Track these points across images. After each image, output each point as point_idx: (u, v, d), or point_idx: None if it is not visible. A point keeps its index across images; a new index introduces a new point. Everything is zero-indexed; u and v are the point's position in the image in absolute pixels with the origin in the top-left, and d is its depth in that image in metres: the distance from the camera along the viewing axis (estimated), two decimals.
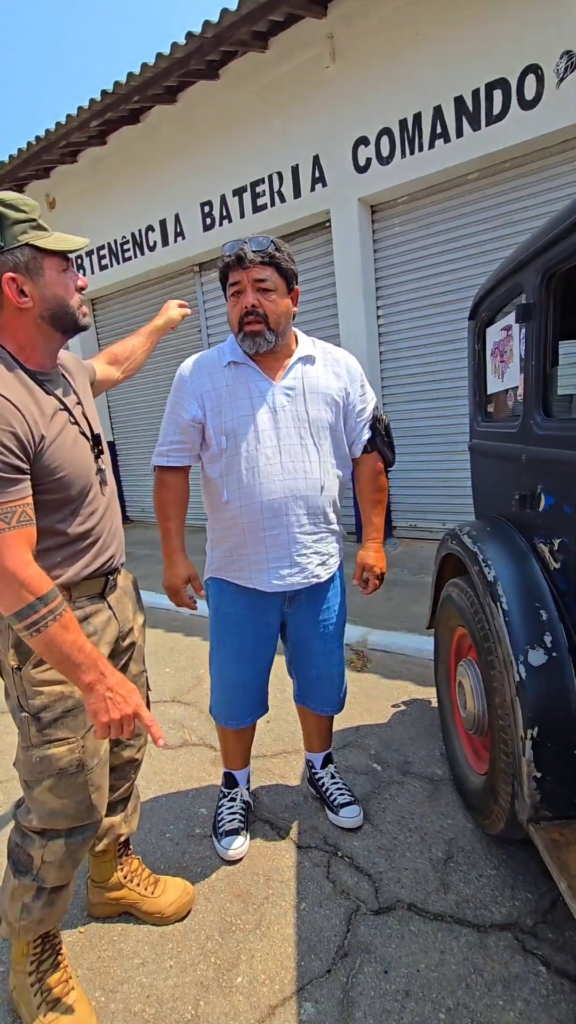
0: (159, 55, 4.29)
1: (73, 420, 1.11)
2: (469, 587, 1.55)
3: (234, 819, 1.64)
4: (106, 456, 1.22)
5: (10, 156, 5.58)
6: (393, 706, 2.37)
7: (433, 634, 2.07)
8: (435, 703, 2.37)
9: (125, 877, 1.41)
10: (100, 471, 1.17)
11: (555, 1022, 1.09)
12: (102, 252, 6.19)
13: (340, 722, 2.09)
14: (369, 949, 1.27)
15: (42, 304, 1.03)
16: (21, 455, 0.98)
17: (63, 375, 1.17)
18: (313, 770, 1.79)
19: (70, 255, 1.08)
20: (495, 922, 1.31)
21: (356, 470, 1.56)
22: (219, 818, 1.66)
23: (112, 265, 6.14)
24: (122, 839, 1.38)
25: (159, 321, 1.60)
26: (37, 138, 5.29)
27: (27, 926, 1.14)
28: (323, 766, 1.77)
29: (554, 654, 1.21)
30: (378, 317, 4.69)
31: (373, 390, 1.56)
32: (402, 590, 3.70)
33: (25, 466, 0.99)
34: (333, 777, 1.75)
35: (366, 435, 1.50)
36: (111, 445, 7.05)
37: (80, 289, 1.10)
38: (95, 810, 1.14)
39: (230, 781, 1.72)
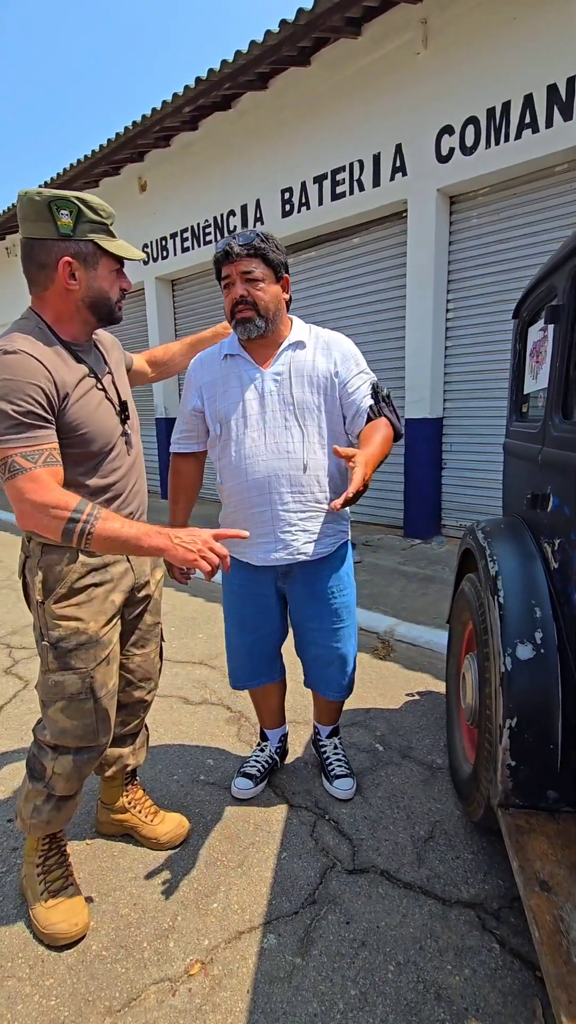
0: (252, 43, 4.38)
1: (100, 387, 1.26)
2: (479, 581, 1.58)
3: (255, 767, 1.81)
4: (134, 422, 1.36)
5: (108, 140, 5.88)
6: (407, 695, 2.42)
7: (448, 630, 2.10)
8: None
9: (129, 803, 1.58)
10: (125, 434, 1.31)
11: (498, 992, 1.14)
12: (185, 235, 6.42)
13: (352, 702, 2.17)
14: (336, 902, 1.37)
15: (87, 291, 1.19)
16: (46, 406, 1.11)
17: (98, 348, 1.32)
18: (318, 736, 1.88)
19: (125, 260, 1.25)
20: (461, 899, 1.37)
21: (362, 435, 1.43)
22: (246, 761, 1.85)
23: (193, 248, 6.36)
24: (128, 769, 1.55)
25: (206, 334, 1.72)
26: (134, 123, 5.55)
27: (37, 824, 1.32)
28: (328, 736, 1.85)
29: (542, 650, 1.24)
30: (447, 311, 4.62)
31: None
32: (439, 587, 3.70)
33: (50, 416, 1.13)
34: (335, 749, 1.83)
35: (368, 402, 1.44)
36: (161, 422, 7.35)
37: (124, 290, 1.26)
38: (100, 734, 1.29)
39: (263, 735, 1.90)
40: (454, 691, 1.97)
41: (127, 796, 1.58)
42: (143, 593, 1.43)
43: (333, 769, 1.78)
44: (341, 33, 4.34)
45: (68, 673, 1.24)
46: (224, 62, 4.63)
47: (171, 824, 1.58)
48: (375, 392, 1.47)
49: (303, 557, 1.51)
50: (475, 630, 1.54)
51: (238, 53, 4.52)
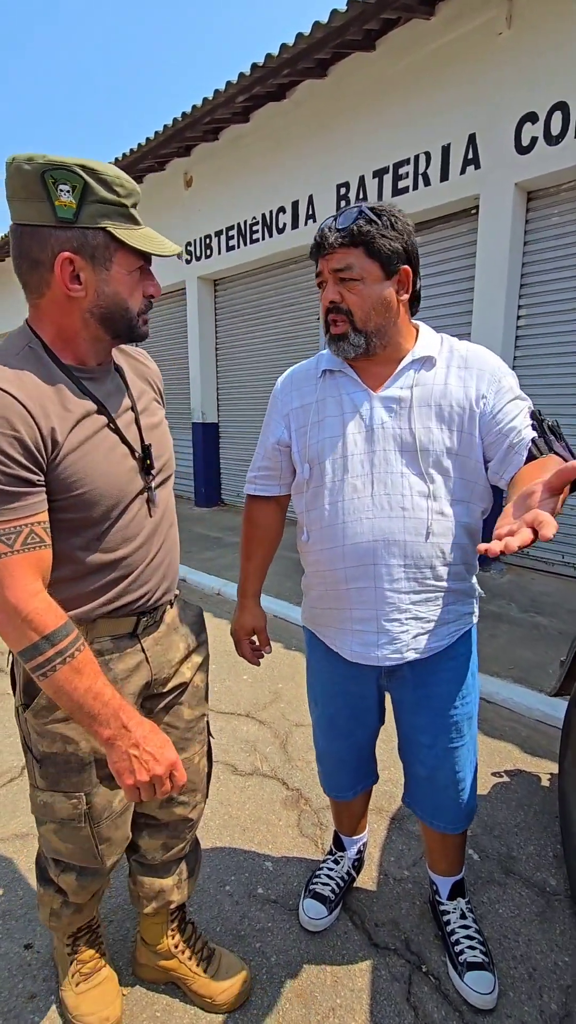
0: (316, 23, 4.04)
1: (114, 427, 0.93)
2: None
3: (329, 885, 1.43)
4: (167, 474, 1.04)
5: (156, 133, 5.62)
6: (494, 774, 2.03)
7: (567, 709, 1.71)
8: (545, 780, 2.01)
9: (176, 947, 1.24)
10: (148, 490, 0.98)
11: None
12: (231, 232, 6.11)
13: None
14: None
15: (96, 298, 0.87)
16: (28, 463, 0.81)
17: (120, 375, 0.99)
18: (437, 897, 1.39)
19: (152, 257, 0.89)
20: None
21: (515, 481, 0.98)
22: (315, 875, 1.48)
23: (239, 246, 6.05)
24: (173, 905, 1.21)
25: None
26: (184, 114, 5.27)
27: (58, 927, 1.18)
28: (451, 896, 1.36)
29: None
30: (518, 317, 4.20)
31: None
32: (509, 628, 3.29)
33: (35, 477, 0.83)
34: (464, 918, 1.33)
35: (528, 434, 1.01)
36: (214, 427, 7.07)
37: (150, 296, 0.93)
38: (103, 859, 1.05)
39: (338, 843, 1.52)
40: (574, 791, 1.59)
41: (173, 937, 1.25)
42: (173, 684, 1.09)
43: (462, 952, 1.27)
44: (414, 12, 3.96)
45: (58, 795, 0.99)
46: (284, 46, 4.30)
47: (229, 977, 1.23)
48: (537, 422, 1.04)
49: (413, 655, 1.12)
50: None
51: (299, 36, 4.18)
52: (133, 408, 0.99)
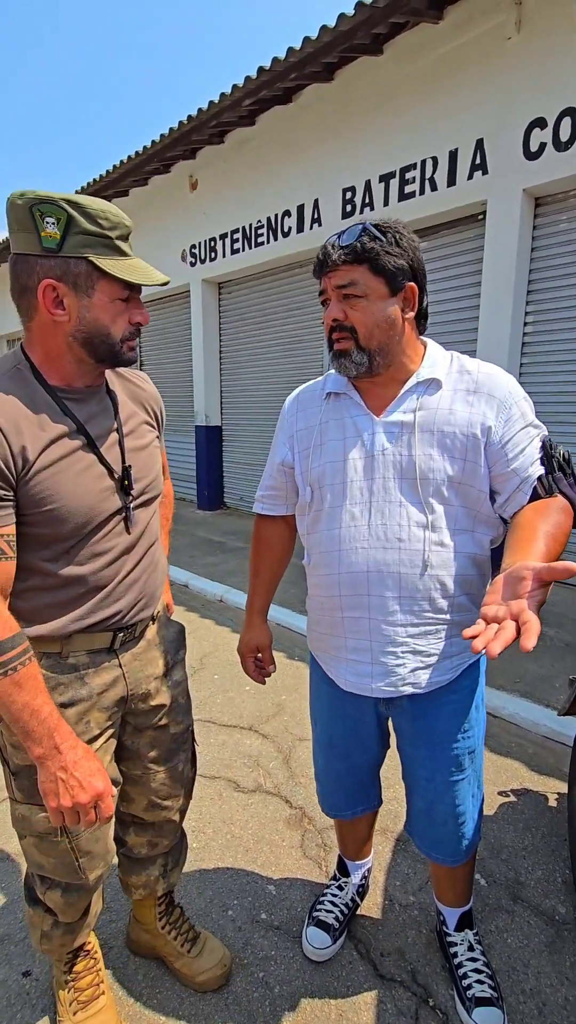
0: (323, 27, 4.01)
1: (92, 448, 0.97)
2: None
3: (332, 912, 1.40)
4: (150, 495, 1.07)
5: (161, 135, 5.60)
6: (500, 793, 2.00)
7: None
8: (552, 800, 1.97)
9: (163, 927, 1.32)
10: (124, 510, 1.01)
11: None
12: (236, 236, 6.09)
13: None
14: None
15: (78, 323, 0.92)
16: None
17: (110, 397, 1.04)
18: (444, 928, 1.35)
19: (139, 287, 0.94)
20: None
21: (518, 516, 0.97)
22: (318, 901, 1.45)
23: (244, 250, 6.03)
24: (159, 893, 1.30)
25: None
26: (189, 117, 5.25)
27: (50, 949, 1.17)
28: (458, 927, 1.33)
29: None
30: (525, 324, 4.16)
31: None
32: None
33: (3, 492, 0.88)
34: (472, 950, 1.29)
35: (538, 471, 0.98)
36: (217, 431, 7.04)
37: (136, 324, 0.97)
38: (84, 873, 1.06)
39: (342, 867, 1.49)
40: None
41: (161, 919, 1.33)
42: (155, 702, 1.12)
43: (470, 986, 1.23)
44: (422, 17, 3.93)
45: (35, 807, 1.00)
46: (291, 50, 4.27)
47: (210, 961, 1.30)
48: (547, 454, 1.01)
49: (409, 689, 1.08)
50: None
51: (307, 40, 4.16)
52: (118, 430, 1.02)
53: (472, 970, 1.26)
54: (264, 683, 1.36)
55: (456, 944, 1.31)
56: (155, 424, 1.15)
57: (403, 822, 1.80)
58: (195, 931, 1.34)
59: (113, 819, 1.13)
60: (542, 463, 1.00)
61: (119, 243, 0.90)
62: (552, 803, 1.96)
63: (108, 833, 1.09)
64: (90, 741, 1.02)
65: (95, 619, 1.00)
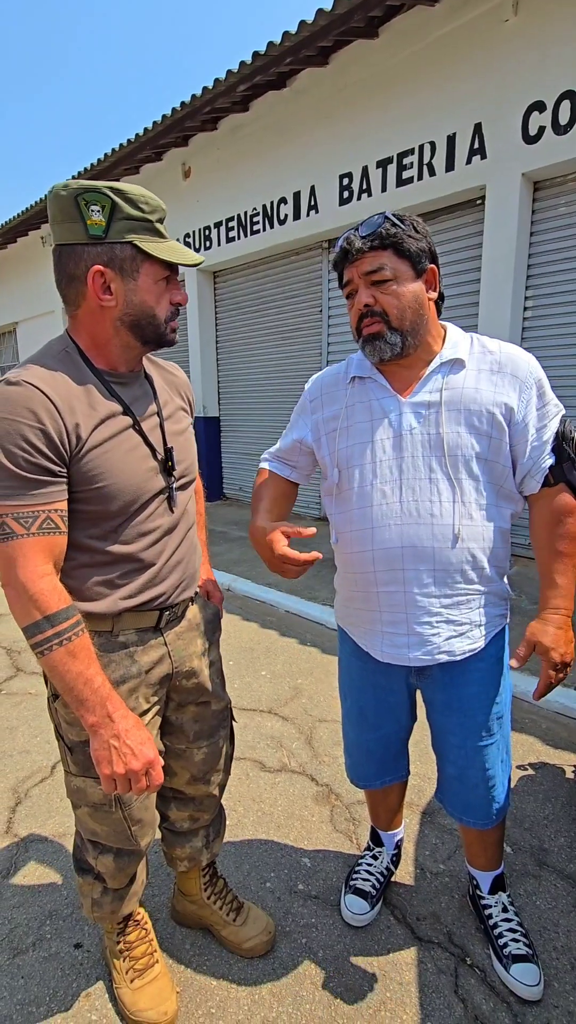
0: (319, 11, 3.98)
1: (138, 429, 1.00)
2: None
3: (369, 880, 1.46)
4: (189, 477, 1.10)
5: (154, 123, 5.54)
6: (519, 767, 2.06)
7: None
8: (569, 772, 2.03)
9: (208, 897, 1.37)
10: (167, 491, 1.05)
11: None
12: (231, 224, 6.05)
13: None
14: None
15: (125, 307, 0.95)
16: (51, 455, 0.89)
17: (148, 382, 1.08)
18: (478, 892, 1.41)
19: (178, 267, 0.97)
20: None
21: (533, 509, 1.16)
22: (354, 871, 1.50)
23: (239, 237, 5.99)
24: (203, 864, 1.35)
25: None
26: (182, 103, 5.19)
27: (101, 916, 1.20)
28: (492, 891, 1.38)
29: None
30: (525, 309, 4.19)
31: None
32: (521, 620, 3.31)
33: (57, 468, 0.90)
34: (506, 911, 1.35)
35: (548, 462, 1.09)
36: (215, 421, 7.04)
37: (177, 304, 1.01)
38: (136, 840, 1.12)
39: (375, 837, 1.54)
40: None
41: (207, 890, 1.37)
42: (197, 680, 1.16)
43: (506, 944, 1.29)
44: (418, 0, 3.91)
45: (90, 781, 1.06)
46: (287, 34, 4.23)
47: (255, 928, 1.35)
48: (562, 439, 1.08)
49: (444, 657, 1.13)
50: None
51: (302, 24, 4.12)
52: (159, 413, 1.06)
53: (507, 930, 1.32)
54: (300, 567, 1.01)
55: (491, 906, 1.37)
56: (188, 410, 1.18)
57: (427, 797, 1.86)
58: (239, 901, 1.39)
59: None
60: (554, 451, 1.08)
61: (158, 226, 0.94)
62: (569, 775, 2.02)
63: (153, 801, 1.15)
64: (139, 716, 1.05)
65: (144, 598, 1.03)
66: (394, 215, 1.04)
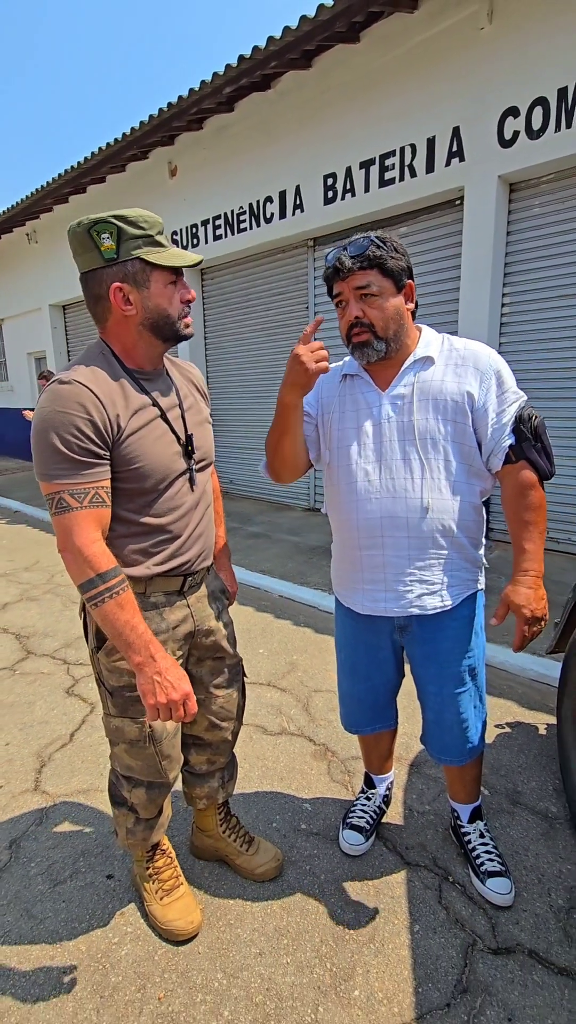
0: (303, 18, 4.12)
1: (164, 419, 1.18)
2: None
3: (364, 817, 1.66)
4: (207, 460, 1.29)
5: (140, 122, 5.64)
6: (497, 726, 2.27)
7: (562, 663, 1.94)
8: (542, 730, 2.25)
9: (224, 831, 1.56)
10: (188, 471, 1.22)
11: None
12: (218, 222, 6.18)
13: None
14: (490, 991, 1.24)
15: (144, 313, 1.11)
16: (98, 441, 1.06)
17: (171, 379, 1.25)
18: (458, 822, 1.60)
19: (181, 269, 1.14)
20: None
21: (501, 485, 1.32)
22: (350, 810, 1.70)
23: (226, 235, 6.13)
24: (220, 802, 1.53)
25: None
26: (169, 104, 5.30)
27: (134, 843, 1.39)
28: (470, 820, 1.58)
29: None
30: (503, 306, 4.40)
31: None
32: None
33: (102, 452, 1.07)
34: (483, 837, 1.55)
35: (508, 441, 1.24)
36: None
37: (187, 301, 1.17)
38: (166, 773, 1.30)
39: (368, 781, 1.74)
40: (572, 735, 1.82)
41: (222, 825, 1.57)
42: (214, 638, 1.36)
43: (483, 863, 1.50)
44: (397, 6, 4.07)
45: (127, 720, 1.24)
46: (271, 39, 4.37)
47: (266, 857, 1.55)
48: (520, 422, 1.25)
49: (416, 611, 1.32)
50: None
51: (286, 29, 4.26)
52: (180, 405, 1.24)
53: (484, 851, 1.53)
54: (313, 346, 1.17)
55: (469, 833, 1.58)
56: (205, 400, 1.37)
57: (415, 752, 2.07)
58: (250, 835, 1.58)
59: (180, 731, 1.35)
60: (514, 432, 1.25)
61: (158, 238, 1.10)
62: (542, 732, 2.24)
63: (178, 741, 1.33)
64: None
65: (172, 565, 1.22)
66: (377, 238, 1.22)
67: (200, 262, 1.18)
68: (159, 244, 1.10)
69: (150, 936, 1.38)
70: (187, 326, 1.18)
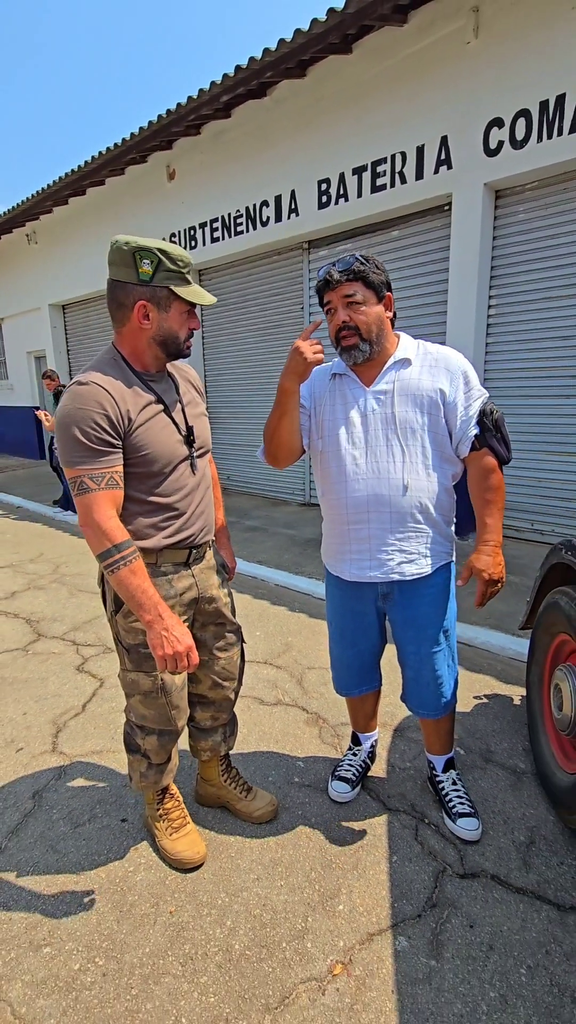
0: (297, 31, 4.31)
1: (167, 413, 1.37)
2: None
3: (351, 770, 1.86)
4: (205, 448, 1.49)
5: (140, 128, 5.81)
6: (475, 697, 2.47)
7: (530, 636, 2.14)
8: (517, 701, 2.45)
9: (225, 780, 1.76)
10: (190, 457, 1.41)
11: None
12: (215, 225, 6.36)
13: None
14: (456, 905, 1.44)
15: (158, 331, 1.31)
16: (112, 432, 1.25)
17: (172, 379, 1.44)
18: (434, 772, 1.80)
19: (197, 304, 1.35)
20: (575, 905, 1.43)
21: (468, 469, 1.53)
22: (338, 765, 1.90)
23: (224, 238, 6.31)
24: (222, 754, 1.73)
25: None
26: (168, 111, 5.48)
27: (146, 786, 1.58)
28: (444, 770, 1.78)
29: None
30: (489, 308, 4.59)
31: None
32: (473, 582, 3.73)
33: (116, 441, 1.26)
34: (455, 784, 1.75)
35: (473, 431, 1.45)
36: None
37: (192, 329, 1.37)
38: (176, 720, 1.50)
39: (355, 740, 1.94)
40: (538, 699, 2.02)
41: (223, 775, 1.76)
42: (216, 605, 1.55)
43: (454, 806, 1.69)
44: (387, 21, 4.26)
45: (141, 674, 1.43)
46: (267, 50, 4.55)
47: (263, 801, 1.74)
48: (483, 415, 1.46)
49: (397, 577, 1.51)
50: None
51: (282, 42, 4.44)
52: (180, 401, 1.43)
53: (455, 796, 1.73)
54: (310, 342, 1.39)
55: (443, 781, 1.78)
56: (202, 396, 1.56)
57: (399, 719, 2.27)
58: (248, 785, 1.78)
59: (187, 686, 1.55)
60: (478, 423, 1.47)
61: (187, 275, 1.32)
62: (516, 702, 2.44)
63: (185, 694, 1.53)
64: None
65: (179, 538, 1.41)
66: (361, 256, 1.44)
67: (214, 303, 1.39)
68: (187, 280, 1.30)
69: (161, 866, 1.57)
70: (188, 347, 1.40)
